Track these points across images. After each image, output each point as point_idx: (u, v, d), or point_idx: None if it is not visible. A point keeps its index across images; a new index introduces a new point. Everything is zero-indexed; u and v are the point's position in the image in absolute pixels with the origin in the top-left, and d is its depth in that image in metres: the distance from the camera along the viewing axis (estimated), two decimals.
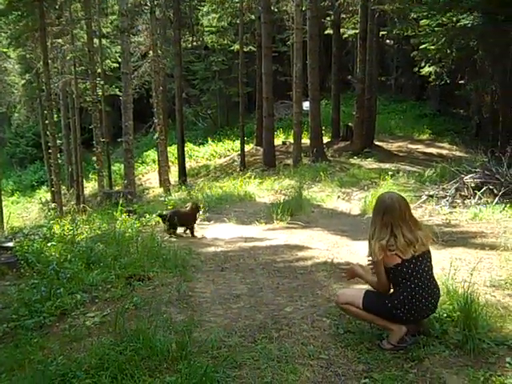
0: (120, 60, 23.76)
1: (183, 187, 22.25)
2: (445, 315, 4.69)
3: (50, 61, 24.59)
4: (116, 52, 29.64)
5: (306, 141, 24.89)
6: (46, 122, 23.65)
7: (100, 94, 26.98)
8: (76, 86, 28.08)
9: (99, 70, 27.04)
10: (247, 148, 29.47)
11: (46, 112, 23.62)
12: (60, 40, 28.30)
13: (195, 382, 3.57)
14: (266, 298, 5.91)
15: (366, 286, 4.77)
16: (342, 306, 4.58)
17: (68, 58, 28.37)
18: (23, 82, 37.44)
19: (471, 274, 5.69)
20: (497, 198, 11.16)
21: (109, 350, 4.29)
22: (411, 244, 4.31)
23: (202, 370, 3.82)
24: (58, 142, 25.13)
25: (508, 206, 10.57)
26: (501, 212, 10.21)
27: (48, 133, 23.74)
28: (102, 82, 26.74)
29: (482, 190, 11.71)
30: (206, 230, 10.63)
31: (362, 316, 4.53)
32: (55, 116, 26.84)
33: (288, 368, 4.16)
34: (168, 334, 4.68)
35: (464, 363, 4.10)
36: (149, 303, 5.73)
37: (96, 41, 26.24)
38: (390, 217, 4.35)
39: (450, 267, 5.77)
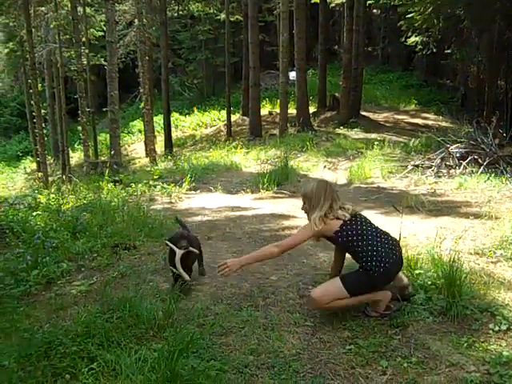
0: (105, 29, 23.48)
1: (169, 157, 22.16)
2: (429, 283, 4.74)
3: (33, 29, 24.21)
4: (101, 21, 29.22)
5: (292, 111, 24.83)
6: (31, 91, 23.32)
7: (85, 63, 26.64)
8: (60, 55, 27.63)
9: (84, 39, 26.68)
10: (233, 118, 29.34)
11: (30, 81, 23.26)
12: (43, 8, 27.84)
13: (181, 349, 3.59)
14: (252, 266, 5.93)
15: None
16: (328, 306, 4.38)
17: (52, 26, 27.88)
18: (6, 50, 36.93)
19: (456, 243, 5.75)
20: (482, 168, 11.22)
21: (95, 318, 4.29)
22: (345, 210, 4.60)
23: (188, 337, 3.84)
24: (43, 111, 24.76)
25: (493, 175, 10.64)
26: (485, 182, 10.28)
27: (32, 102, 23.48)
28: (86, 51, 26.40)
29: (467, 160, 11.78)
30: (192, 199, 10.62)
31: (352, 304, 4.45)
32: (40, 85, 26.40)
33: (274, 335, 4.19)
34: (154, 302, 4.69)
35: (448, 329, 4.16)
36: (135, 272, 5.75)
37: (80, 9, 25.85)
38: (327, 195, 4.59)
39: (435, 236, 5.82)
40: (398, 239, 4.72)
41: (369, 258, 4.32)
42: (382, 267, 4.30)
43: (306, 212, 4.77)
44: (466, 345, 3.89)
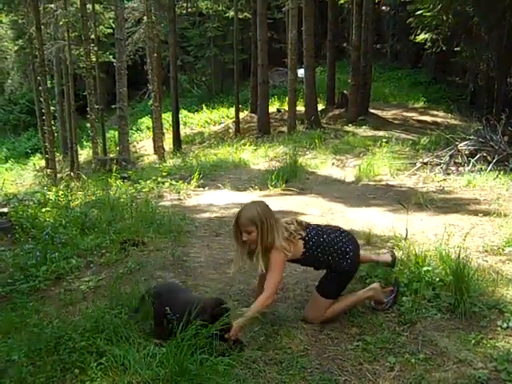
0: (114, 26, 23.52)
1: (178, 154, 22.18)
2: (437, 279, 4.74)
3: (42, 26, 24.30)
4: (110, 18, 29.29)
5: (300, 108, 24.79)
6: (40, 88, 23.43)
7: (94, 60, 26.71)
8: (69, 52, 27.72)
9: (93, 36, 26.72)
10: (242, 115, 29.33)
11: (39, 78, 23.38)
12: (52, 5, 27.88)
13: (190, 344, 3.60)
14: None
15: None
16: (326, 318, 4.42)
17: (61, 23, 27.94)
18: (16, 48, 37.06)
19: (464, 240, 5.74)
20: (491, 165, 11.18)
21: (104, 313, 4.32)
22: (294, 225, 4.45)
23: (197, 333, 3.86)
24: (52, 108, 24.85)
25: (502, 173, 10.60)
26: (494, 179, 10.24)
27: (42, 99, 23.54)
28: (95, 48, 26.44)
29: (476, 158, 11.73)
30: (200, 196, 10.63)
31: (345, 305, 4.50)
32: (49, 82, 26.55)
33: (282, 331, 4.21)
34: None
35: (455, 326, 4.16)
36: (143, 268, 5.77)
37: (89, 6, 25.89)
38: (273, 214, 4.37)
39: (443, 233, 5.81)
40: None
41: (339, 260, 4.36)
42: (350, 259, 4.37)
43: (252, 242, 4.27)
44: (473, 341, 3.89)
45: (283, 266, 4.32)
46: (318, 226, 4.62)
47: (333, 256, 4.35)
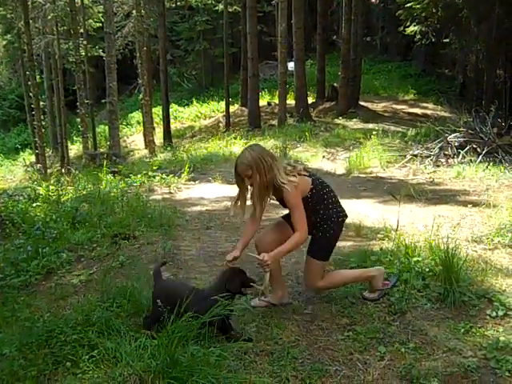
0: (103, 20, 23.41)
1: (168, 148, 22.16)
2: (427, 270, 4.77)
3: (31, 20, 24.16)
4: (99, 12, 29.13)
5: (291, 101, 24.83)
6: (29, 83, 23.31)
7: (83, 54, 26.60)
8: (58, 47, 27.60)
9: (82, 30, 26.63)
10: (232, 109, 29.33)
11: (28, 73, 23.24)
12: None
13: (181, 336, 3.61)
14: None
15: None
16: (325, 287, 4.53)
17: (49, 17, 27.82)
18: (4, 42, 36.85)
19: (454, 230, 5.78)
20: (480, 157, 11.25)
21: (95, 306, 4.33)
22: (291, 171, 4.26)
23: (188, 325, 3.87)
24: (42, 103, 24.76)
25: (491, 164, 10.68)
26: (484, 170, 10.32)
27: (31, 94, 23.45)
28: (84, 43, 26.34)
29: (465, 149, 11.80)
30: (191, 189, 10.64)
31: (346, 277, 4.60)
32: (38, 77, 26.39)
33: (273, 322, 4.23)
34: None
35: (445, 316, 4.19)
36: (134, 261, 5.78)
37: (78, 0, 25.79)
38: (269, 153, 4.28)
39: (432, 224, 5.85)
40: None
41: (338, 210, 4.38)
42: (343, 219, 4.44)
43: (251, 185, 4.27)
44: (463, 330, 3.92)
45: (300, 199, 4.20)
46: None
47: (333, 209, 4.35)
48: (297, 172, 4.24)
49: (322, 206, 4.32)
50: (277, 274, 4.58)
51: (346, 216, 4.47)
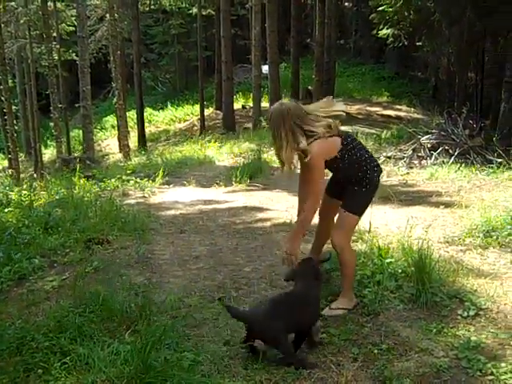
0: (76, 24, 23.26)
1: (143, 152, 22.09)
2: (400, 271, 4.80)
3: (3, 24, 23.94)
4: (72, 15, 28.95)
5: (265, 104, 24.85)
6: (1, 87, 23.08)
7: (56, 58, 26.42)
8: (31, 51, 27.36)
9: (55, 34, 26.46)
10: (207, 112, 29.32)
11: (0, 77, 23.05)
12: (13, 3, 27.52)
13: (154, 341, 3.60)
14: (225, 258, 5.96)
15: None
16: (346, 256, 4.44)
17: (22, 21, 27.59)
18: None
19: (426, 232, 5.83)
20: (452, 158, 11.37)
21: (68, 312, 4.28)
22: (328, 125, 4.24)
23: (161, 330, 3.85)
24: (14, 108, 24.57)
25: (463, 165, 10.81)
26: (456, 172, 10.43)
27: (3, 99, 23.21)
28: (57, 46, 26.19)
29: (438, 151, 11.92)
30: (165, 193, 10.60)
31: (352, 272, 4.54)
32: (10, 81, 26.17)
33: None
34: (128, 296, 4.69)
35: (417, 316, 4.22)
36: (108, 266, 5.73)
37: (50, 4, 25.63)
38: (292, 118, 4.13)
39: (405, 225, 5.89)
40: None
41: (371, 165, 4.37)
42: (379, 169, 4.47)
43: (280, 148, 4.23)
44: (435, 331, 3.95)
45: (323, 156, 4.19)
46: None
47: (368, 161, 4.36)
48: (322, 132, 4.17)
49: (356, 162, 4.31)
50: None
51: (381, 170, 4.55)
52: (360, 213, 4.46)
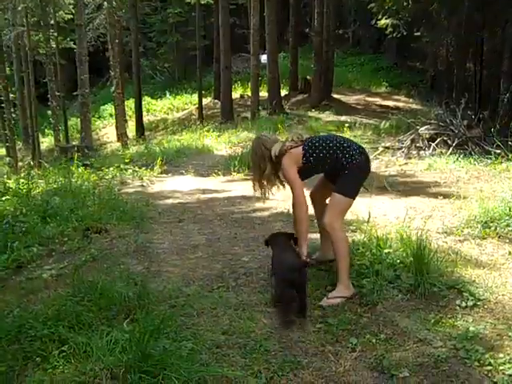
0: (74, 11, 23.15)
1: (141, 141, 22.03)
2: (398, 261, 4.80)
3: (0, 12, 23.82)
4: (69, 3, 28.75)
5: (264, 94, 24.78)
6: None
7: (54, 46, 26.29)
8: (29, 39, 27.17)
9: (52, 22, 26.29)
10: (205, 101, 29.23)
11: None
12: None
13: (153, 330, 3.60)
14: (224, 248, 5.97)
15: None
16: (336, 236, 4.58)
17: (19, 8, 27.39)
18: None
19: (425, 222, 5.83)
20: (450, 149, 11.37)
21: (66, 301, 4.29)
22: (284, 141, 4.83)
23: (160, 319, 3.85)
24: (12, 96, 24.51)
25: (461, 156, 10.81)
26: (454, 162, 10.44)
27: (1, 87, 23.16)
28: (55, 34, 26.02)
29: (436, 141, 11.91)
30: (163, 182, 10.60)
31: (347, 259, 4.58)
32: (8, 69, 26.08)
33: (245, 315, 4.22)
34: (126, 285, 4.69)
35: (416, 306, 4.23)
36: (106, 255, 5.73)
37: None
38: (262, 147, 4.81)
39: (404, 216, 5.89)
40: None
41: (345, 152, 4.58)
42: (360, 153, 4.62)
43: (267, 177, 4.84)
44: (433, 321, 3.96)
45: (293, 169, 4.64)
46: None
47: (342, 151, 4.58)
48: (290, 146, 4.70)
49: (328, 159, 4.63)
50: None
51: (364, 154, 4.71)
52: (349, 195, 4.60)
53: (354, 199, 4.64)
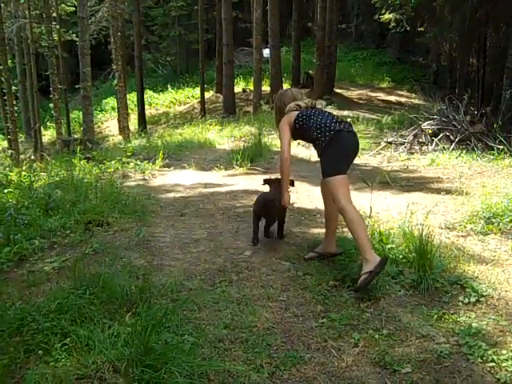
0: (76, 4, 23.09)
1: (143, 134, 22.03)
2: (400, 256, 4.80)
3: (2, 4, 23.75)
4: None
5: (266, 88, 24.79)
6: (0, 67, 22.95)
7: (56, 39, 26.24)
8: (31, 31, 27.12)
9: (55, 14, 26.24)
10: (207, 95, 29.23)
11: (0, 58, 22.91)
12: None
13: (155, 324, 3.59)
14: (226, 242, 5.96)
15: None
16: (350, 213, 4.64)
17: (22, 1, 27.39)
18: None
19: (427, 218, 5.82)
20: (453, 145, 11.35)
21: (68, 294, 4.27)
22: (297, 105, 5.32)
23: (162, 313, 3.84)
24: (14, 88, 24.41)
25: (464, 152, 10.79)
26: (456, 158, 10.42)
27: (3, 79, 23.08)
28: (57, 27, 25.98)
29: (439, 137, 11.89)
30: (165, 176, 10.58)
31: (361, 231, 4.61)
32: (10, 62, 25.99)
33: (247, 310, 4.21)
34: (128, 278, 4.69)
35: (418, 302, 4.22)
36: (108, 248, 5.72)
37: None
38: (282, 100, 5.51)
39: (406, 211, 5.88)
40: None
41: (321, 131, 4.93)
42: (333, 132, 4.89)
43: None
44: (436, 317, 3.95)
45: (286, 127, 5.21)
46: (325, 111, 5.31)
47: (318, 131, 4.95)
48: (293, 108, 5.29)
49: (309, 134, 5.07)
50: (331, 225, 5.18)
51: (342, 131, 4.95)
52: (333, 170, 4.81)
53: (340, 174, 4.79)
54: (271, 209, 5.52)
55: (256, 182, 9.27)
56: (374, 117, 18.89)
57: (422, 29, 26.29)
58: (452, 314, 3.99)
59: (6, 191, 8.29)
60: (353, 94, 27.18)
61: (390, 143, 12.48)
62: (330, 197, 4.89)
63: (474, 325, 3.76)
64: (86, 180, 9.02)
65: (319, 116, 5.08)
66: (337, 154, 4.85)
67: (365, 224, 4.72)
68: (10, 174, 9.90)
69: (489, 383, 3.22)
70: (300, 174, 9.97)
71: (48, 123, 34.60)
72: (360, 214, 4.81)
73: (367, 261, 4.36)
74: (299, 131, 5.15)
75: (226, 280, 4.79)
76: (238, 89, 28.20)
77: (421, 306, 4.15)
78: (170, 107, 33.20)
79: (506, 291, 4.29)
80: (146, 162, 11.34)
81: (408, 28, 25.49)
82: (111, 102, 35.73)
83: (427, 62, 32.39)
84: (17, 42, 32.28)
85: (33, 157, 18.74)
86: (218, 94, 29.05)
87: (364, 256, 4.42)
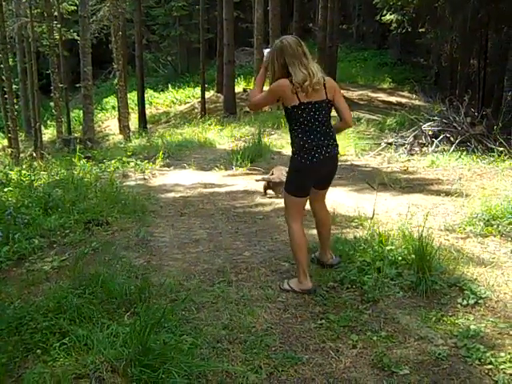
0: (77, 3, 23.10)
1: (143, 134, 22.03)
2: (400, 258, 4.79)
3: (4, 2, 23.78)
4: None
5: (266, 88, 24.76)
6: (1, 66, 22.95)
7: (57, 37, 26.26)
8: (32, 30, 27.11)
9: (56, 13, 26.26)
10: (208, 95, 29.22)
11: (1, 56, 22.88)
12: None
13: (153, 324, 3.59)
14: (225, 242, 5.96)
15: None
16: (293, 232, 4.57)
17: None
18: None
19: (427, 219, 5.81)
20: (453, 146, 11.34)
21: (67, 293, 4.27)
22: (306, 79, 4.32)
23: (160, 313, 3.84)
24: (15, 87, 24.45)
25: (464, 153, 10.78)
26: (457, 160, 10.41)
27: (4, 78, 23.09)
28: (58, 26, 25.99)
29: (439, 138, 11.89)
30: (165, 176, 10.58)
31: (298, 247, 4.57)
32: (11, 60, 26.01)
33: (246, 310, 4.22)
34: (127, 278, 4.70)
35: (417, 304, 4.22)
36: (107, 248, 5.73)
37: None
38: (282, 57, 4.41)
39: (406, 213, 5.88)
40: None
41: (304, 142, 4.38)
42: (307, 159, 4.40)
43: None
44: (434, 319, 3.95)
45: (273, 93, 4.54)
46: (325, 119, 4.55)
47: (301, 149, 4.41)
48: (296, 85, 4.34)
49: (296, 137, 4.47)
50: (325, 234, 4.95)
51: (316, 159, 4.40)
52: (291, 192, 4.57)
53: (298, 197, 4.56)
54: None
55: (256, 183, 9.28)
56: (374, 117, 18.90)
57: (423, 30, 26.29)
58: (450, 316, 3.99)
59: (5, 190, 8.30)
60: (354, 94, 27.16)
61: (391, 144, 12.47)
62: (316, 205, 4.90)
63: (472, 327, 3.76)
64: (85, 179, 9.02)
65: (315, 123, 4.41)
66: (304, 179, 4.52)
67: (306, 248, 4.62)
68: (10, 172, 9.89)
69: None
70: None
71: (48, 122, 34.59)
72: (305, 237, 4.66)
73: (298, 280, 4.54)
74: (288, 114, 4.49)
75: (225, 280, 4.80)
76: (238, 89, 28.16)
77: (419, 308, 4.15)
78: (170, 107, 33.20)
79: (504, 293, 4.29)
80: (146, 161, 11.34)
81: (409, 29, 25.50)
82: (112, 101, 35.73)
83: (428, 63, 32.40)
84: (18, 40, 32.30)
85: (35, 155, 18.71)
86: (219, 94, 29.04)
87: (298, 278, 4.54)
